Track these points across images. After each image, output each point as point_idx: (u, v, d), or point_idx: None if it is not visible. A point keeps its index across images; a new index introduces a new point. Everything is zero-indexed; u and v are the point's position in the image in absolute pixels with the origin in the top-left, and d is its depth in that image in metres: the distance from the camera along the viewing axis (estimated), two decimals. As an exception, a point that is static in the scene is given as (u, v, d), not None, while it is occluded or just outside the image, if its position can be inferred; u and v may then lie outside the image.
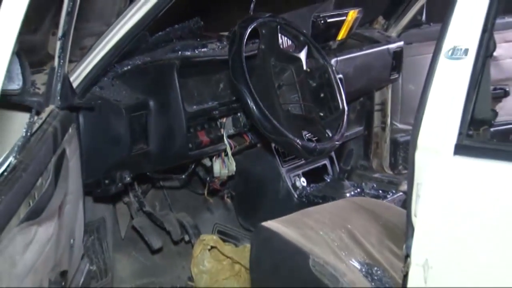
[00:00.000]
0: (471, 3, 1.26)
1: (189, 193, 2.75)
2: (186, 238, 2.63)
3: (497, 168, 1.22)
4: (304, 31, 2.25)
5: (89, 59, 1.77)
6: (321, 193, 2.53)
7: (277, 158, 2.58)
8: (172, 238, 2.59)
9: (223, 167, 2.32)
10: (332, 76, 2.20)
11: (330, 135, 2.09)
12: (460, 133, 1.25)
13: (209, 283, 2.60)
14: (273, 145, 2.53)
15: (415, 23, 3.20)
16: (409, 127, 2.84)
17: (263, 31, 2.05)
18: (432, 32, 2.94)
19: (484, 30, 1.25)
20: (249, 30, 1.97)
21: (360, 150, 3.33)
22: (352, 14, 2.76)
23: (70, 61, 1.68)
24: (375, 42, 3.03)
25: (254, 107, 1.90)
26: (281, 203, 2.55)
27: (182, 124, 2.04)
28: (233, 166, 2.33)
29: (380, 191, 2.63)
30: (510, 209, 1.20)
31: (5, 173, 1.26)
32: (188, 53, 2.21)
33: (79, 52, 1.93)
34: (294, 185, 2.57)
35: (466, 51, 1.26)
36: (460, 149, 1.25)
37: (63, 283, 1.47)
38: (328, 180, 2.66)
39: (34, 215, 1.30)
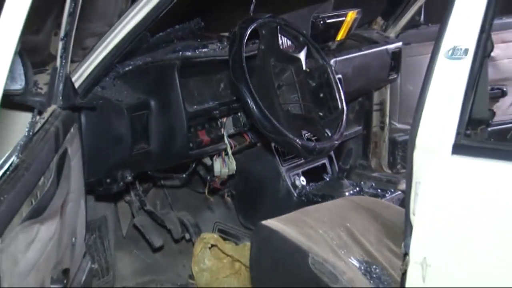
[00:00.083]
0: (469, 4, 1.27)
1: (190, 192, 2.75)
2: (187, 236, 2.63)
3: (495, 168, 1.23)
4: (304, 31, 2.26)
5: (91, 59, 1.77)
6: (320, 192, 2.54)
7: (277, 158, 2.58)
8: (173, 237, 2.59)
9: (223, 166, 2.32)
10: (331, 76, 2.21)
11: (329, 134, 2.10)
12: (458, 133, 1.25)
13: (210, 281, 2.61)
14: (273, 144, 2.53)
15: (413, 23, 3.19)
16: (408, 127, 2.83)
17: (263, 32, 2.06)
18: (430, 33, 2.94)
19: (482, 31, 1.25)
20: (249, 31, 1.98)
21: (359, 149, 3.33)
22: (351, 15, 2.76)
23: (72, 61, 1.68)
24: (373, 43, 3.02)
25: (254, 107, 1.91)
26: (280, 202, 2.55)
27: (183, 123, 2.05)
28: (233, 165, 2.33)
29: (379, 190, 2.64)
30: (507, 208, 1.21)
31: (8, 172, 1.26)
32: (188, 54, 2.21)
33: (81, 52, 1.93)
34: (293, 184, 2.58)
35: (466, 51, 1.26)
36: (458, 148, 1.25)
37: (65, 281, 1.46)
38: (328, 179, 2.67)
39: (36, 214, 1.30)
